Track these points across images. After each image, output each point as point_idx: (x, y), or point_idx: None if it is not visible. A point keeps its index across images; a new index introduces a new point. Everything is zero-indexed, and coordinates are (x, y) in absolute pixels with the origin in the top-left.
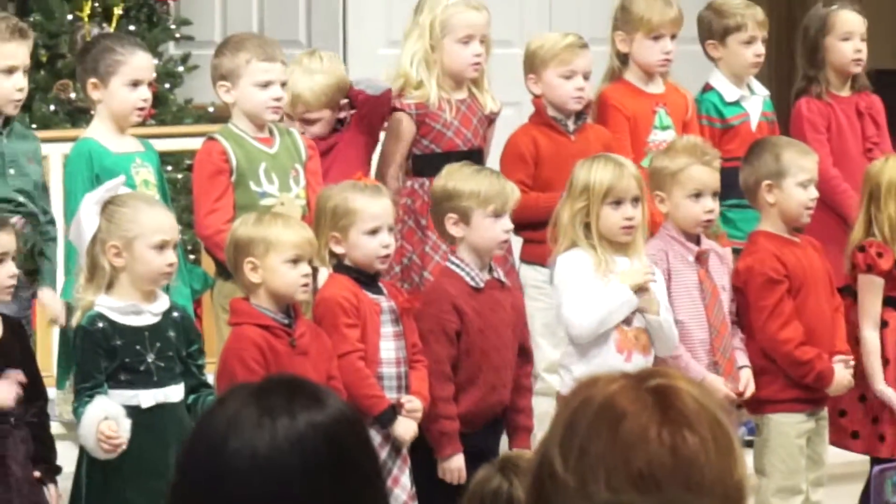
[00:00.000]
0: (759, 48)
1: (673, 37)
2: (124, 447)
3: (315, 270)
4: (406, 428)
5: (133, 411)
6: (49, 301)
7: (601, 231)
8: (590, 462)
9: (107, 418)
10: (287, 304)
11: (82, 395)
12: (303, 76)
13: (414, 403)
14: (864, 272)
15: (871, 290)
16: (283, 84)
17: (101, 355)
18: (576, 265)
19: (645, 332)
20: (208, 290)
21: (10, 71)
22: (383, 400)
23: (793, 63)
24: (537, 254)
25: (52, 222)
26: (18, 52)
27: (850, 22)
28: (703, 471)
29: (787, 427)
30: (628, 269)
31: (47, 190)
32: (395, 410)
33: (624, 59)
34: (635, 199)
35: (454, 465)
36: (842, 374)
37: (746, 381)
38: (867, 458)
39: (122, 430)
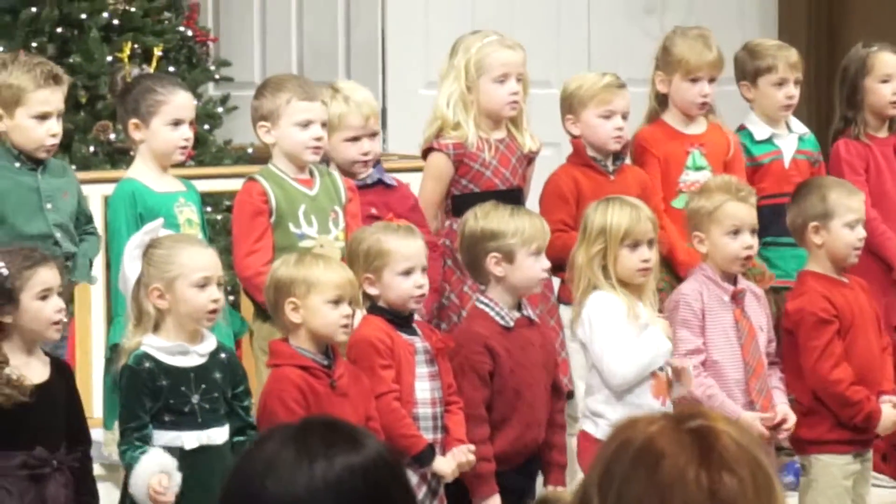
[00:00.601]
0: (791, 90)
1: (712, 80)
2: (172, 502)
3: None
4: (448, 465)
5: (176, 453)
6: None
7: (618, 273)
8: (627, 503)
9: (161, 471)
10: (326, 346)
11: (128, 437)
12: (355, 91)
13: (468, 456)
14: None
15: None
16: (324, 125)
17: (146, 395)
18: (608, 308)
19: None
20: (245, 335)
21: (45, 117)
22: (421, 440)
23: (830, 104)
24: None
25: (92, 223)
26: (52, 98)
27: (890, 64)
28: None
29: (835, 469)
30: (663, 320)
31: (87, 212)
32: (433, 449)
33: (663, 99)
34: (650, 242)
35: None
36: (889, 413)
37: (784, 415)
38: None
39: (174, 483)
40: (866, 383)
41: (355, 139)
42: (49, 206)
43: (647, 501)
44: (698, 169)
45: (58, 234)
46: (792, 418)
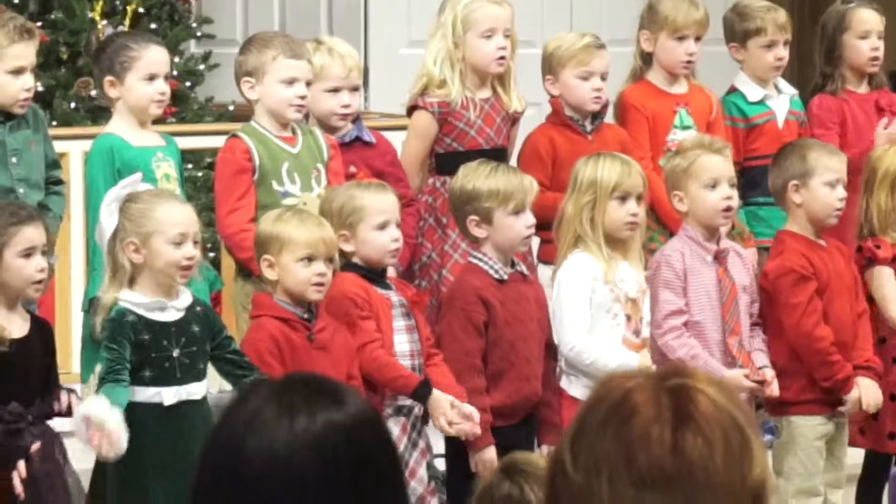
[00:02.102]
0: (780, 51)
1: (698, 38)
2: (119, 446)
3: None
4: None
5: (155, 409)
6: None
7: (605, 226)
8: (595, 459)
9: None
10: (308, 302)
11: (104, 383)
12: (339, 44)
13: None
14: (868, 267)
15: (881, 281)
16: (308, 84)
17: (129, 345)
18: (580, 278)
19: (646, 342)
20: (222, 290)
21: (19, 72)
22: (413, 377)
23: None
24: (555, 253)
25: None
26: (26, 52)
27: (868, 20)
28: (709, 473)
29: (807, 430)
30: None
31: (58, 163)
32: (428, 384)
33: (648, 59)
34: (639, 197)
35: (486, 457)
36: (867, 385)
37: (772, 379)
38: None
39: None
40: (841, 348)
41: (336, 90)
42: (14, 159)
43: (614, 457)
44: (685, 128)
45: (21, 189)
46: (775, 383)
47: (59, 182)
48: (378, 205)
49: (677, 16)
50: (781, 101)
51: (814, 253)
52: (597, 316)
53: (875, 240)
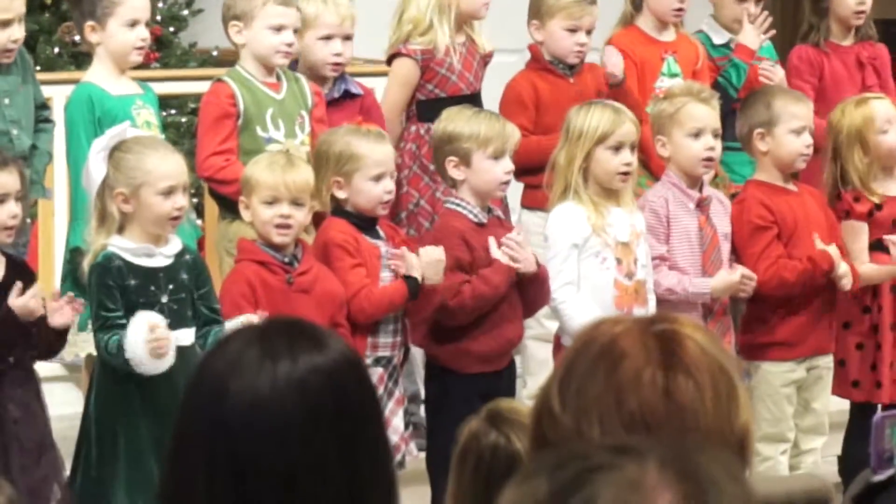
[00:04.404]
0: (751, 7)
1: None
2: (173, 349)
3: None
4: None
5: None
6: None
7: (597, 175)
8: (585, 402)
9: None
10: (294, 244)
11: (106, 326)
12: None
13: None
14: (844, 219)
15: (854, 235)
16: (296, 31)
17: (117, 290)
18: (567, 228)
19: (644, 285)
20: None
21: (6, 24)
22: (399, 284)
23: (799, 12)
24: (539, 199)
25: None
26: (13, 4)
27: None
28: (699, 417)
29: (773, 376)
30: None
31: (46, 104)
32: (413, 280)
33: (638, 5)
34: (632, 146)
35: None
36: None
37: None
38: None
39: (168, 332)
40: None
41: (328, 38)
42: (6, 101)
43: (605, 401)
44: (673, 76)
45: (14, 131)
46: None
47: (48, 121)
48: (376, 156)
49: None
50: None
51: (779, 199)
52: (586, 262)
53: (855, 192)
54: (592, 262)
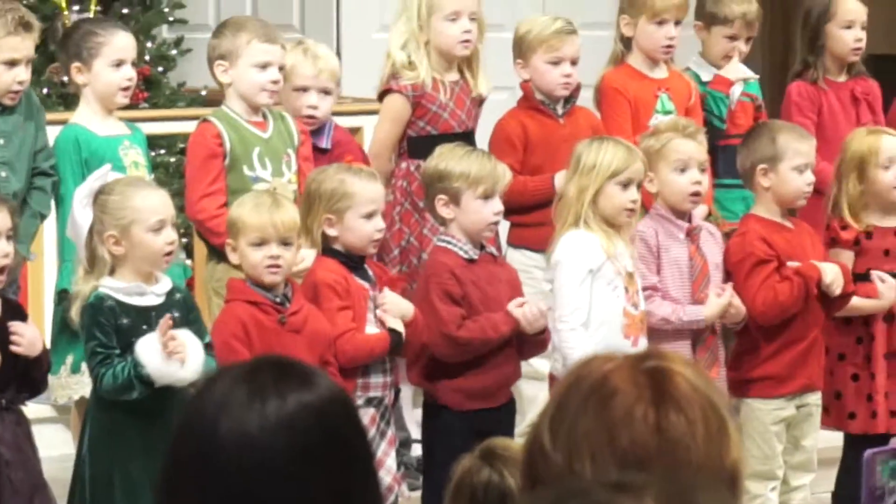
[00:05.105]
0: (742, 46)
1: (677, 22)
2: (187, 352)
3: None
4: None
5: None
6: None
7: (604, 210)
8: (576, 439)
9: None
10: (284, 284)
11: (106, 362)
12: (318, 47)
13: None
14: (830, 247)
15: (840, 261)
16: (282, 68)
17: (112, 332)
18: (579, 255)
19: (645, 315)
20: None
21: (13, 63)
22: (383, 336)
23: (787, 50)
24: (526, 237)
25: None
26: (22, 45)
27: (853, 10)
28: (690, 453)
29: (762, 413)
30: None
31: (47, 153)
32: (393, 331)
33: (628, 43)
34: (639, 185)
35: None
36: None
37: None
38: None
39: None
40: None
41: (304, 90)
42: (1, 141)
43: (596, 438)
44: (667, 113)
45: (3, 173)
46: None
47: (45, 175)
48: (368, 194)
49: (656, 0)
50: (735, 85)
51: (778, 235)
52: (598, 290)
53: (842, 220)
54: (605, 289)
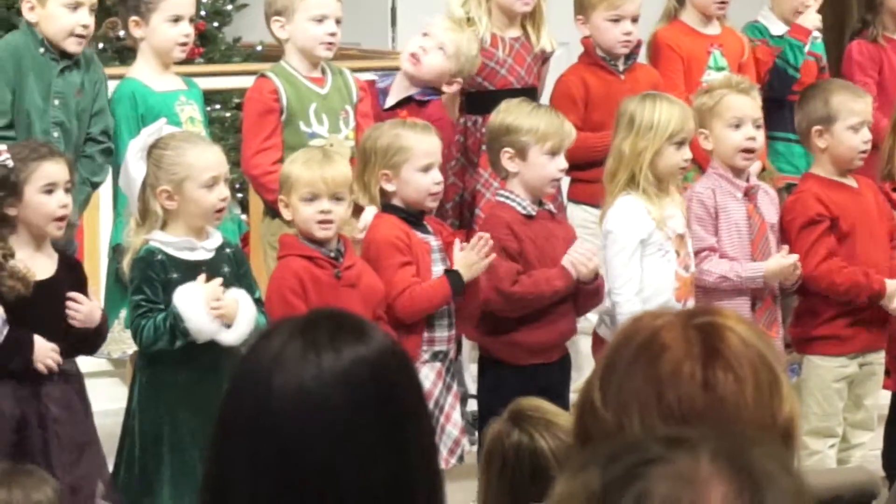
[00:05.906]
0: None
1: None
2: (236, 309)
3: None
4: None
5: (187, 348)
6: None
7: (659, 170)
8: (625, 397)
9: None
10: (336, 239)
11: (147, 314)
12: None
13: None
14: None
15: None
16: (338, 21)
17: (159, 287)
18: (630, 224)
19: (695, 276)
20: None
21: (76, 6)
22: (441, 283)
23: (843, 9)
24: (586, 193)
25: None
26: None
27: None
28: (739, 410)
29: (824, 371)
30: None
31: (104, 116)
32: (451, 271)
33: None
34: (689, 143)
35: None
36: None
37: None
38: None
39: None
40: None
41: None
42: (56, 102)
43: (645, 394)
44: (719, 69)
45: (55, 134)
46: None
47: (95, 141)
48: (423, 146)
49: None
50: (813, 34)
51: (838, 195)
52: (649, 257)
53: (893, 182)
54: (655, 255)
